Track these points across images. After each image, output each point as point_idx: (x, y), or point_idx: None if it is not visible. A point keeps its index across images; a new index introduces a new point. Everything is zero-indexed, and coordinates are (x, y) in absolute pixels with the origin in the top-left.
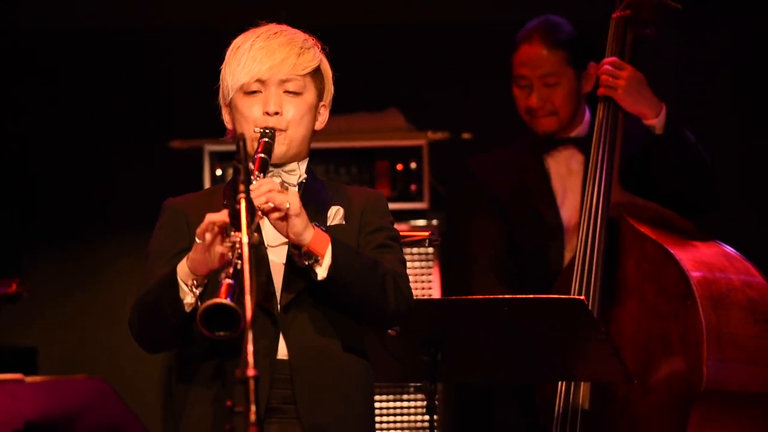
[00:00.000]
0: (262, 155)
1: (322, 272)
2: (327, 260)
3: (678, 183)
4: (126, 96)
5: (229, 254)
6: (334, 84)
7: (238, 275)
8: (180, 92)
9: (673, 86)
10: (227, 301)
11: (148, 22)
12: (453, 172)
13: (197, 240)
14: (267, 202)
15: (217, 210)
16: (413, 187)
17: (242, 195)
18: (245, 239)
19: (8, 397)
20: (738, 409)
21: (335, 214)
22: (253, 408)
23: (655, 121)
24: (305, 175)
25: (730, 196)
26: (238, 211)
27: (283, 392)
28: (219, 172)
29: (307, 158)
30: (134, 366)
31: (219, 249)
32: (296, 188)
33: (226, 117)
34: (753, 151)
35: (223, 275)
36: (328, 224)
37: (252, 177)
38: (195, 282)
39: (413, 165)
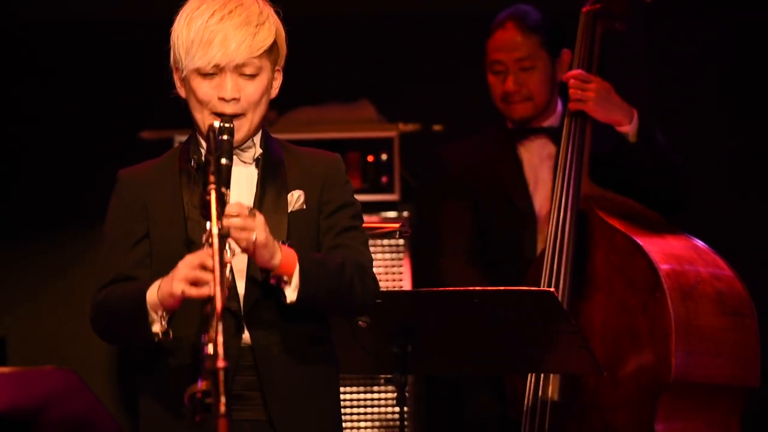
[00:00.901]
0: (224, 160)
1: (291, 294)
2: (295, 281)
3: (649, 186)
4: (95, 87)
5: (208, 307)
6: (305, 75)
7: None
8: (149, 83)
9: (644, 80)
10: (204, 388)
11: (117, 13)
12: (424, 163)
13: (177, 287)
14: (236, 231)
15: (174, 187)
16: (384, 178)
17: (212, 186)
18: (215, 230)
19: None
20: (705, 401)
21: (296, 200)
22: (222, 399)
23: (629, 128)
24: (261, 150)
25: (703, 187)
26: (209, 202)
27: (247, 379)
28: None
29: (261, 129)
30: (105, 358)
31: (194, 295)
32: (253, 165)
33: (177, 81)
34: (740, 146)
35: (205, 339)
36: (289, 210)
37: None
38: (165, 313)
39: (384, 156)
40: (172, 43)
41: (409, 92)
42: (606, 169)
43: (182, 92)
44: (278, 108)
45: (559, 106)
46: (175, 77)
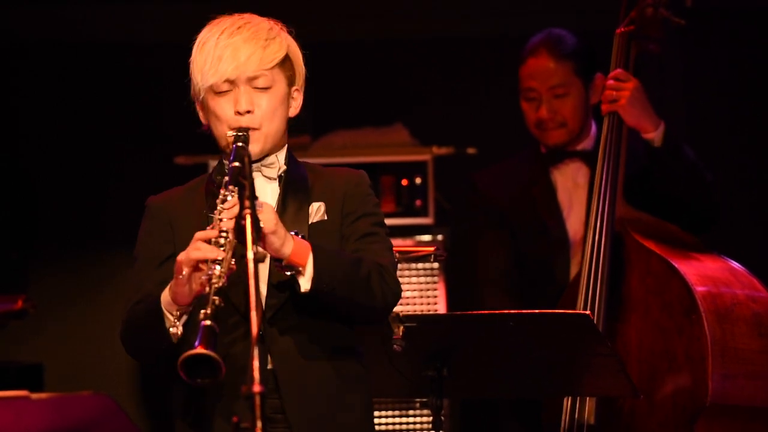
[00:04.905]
0: (236, 163)
1: (305, 284)
2: (309, 271)
3: (678, 195)
4: (130, 112)
5: (206, 288)
6: (340, 99)
7: (215, 314)
8: (184, 108)
9: (679, 100)
10: (205, 351)
11: (153, 37)
12: (458, 187)
13: (179, 260)
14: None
15: (200, 210)
16: (418, 202)
17: (248, 211)
18: (250, 255)
19: (14, 414)
20: (743, 424)
21: (316, 211)
22: (259, 424)
23: (654, 135)
24: (284, 166)
25: (737, 208)
26: (244, 228)
27: (271, 402)
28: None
29: (285, 146)
30: (141, 383)
31: (195, 283)
32: (277, 181)
33: (199, 112)
34: (762, 163)
35: (201, 315)
36: (309, 222)
37: (226, 191)
38: (179, 312)
39: (418, 180)
40: (191, 73)
41: (443, 116)
42: (640, 189)
43: (203, 119)
44: (312, 132)
45: (593, 129)
46: (198, 109)
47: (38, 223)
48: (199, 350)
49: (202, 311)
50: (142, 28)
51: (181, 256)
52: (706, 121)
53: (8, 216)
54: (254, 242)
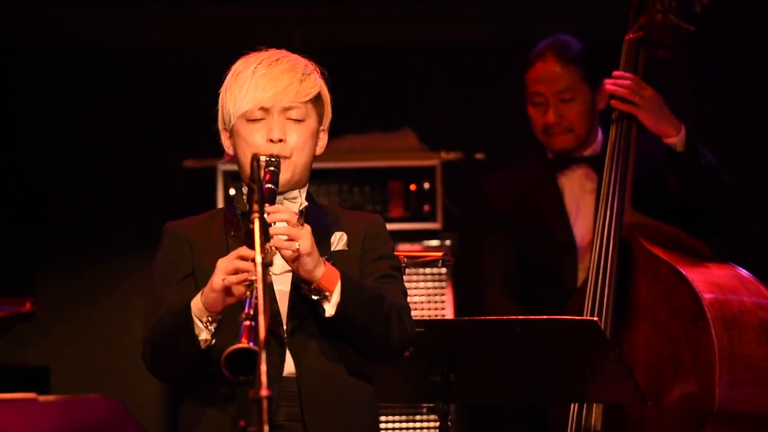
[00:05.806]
0: (270, 185)
1: (330, 309)
2: (336, 297)
3: (699, 199)
4: (139, 115)
5: (247, 292)
6: (349, 104)
7: (257, 316)
8: (194, 111)
9: (687, 106)
10: (250, 345)
11: (163, 41)
12: (466, 192)
13: (218, 279)
14: (280, 240)
15: (219, 235)
16: (426, 207)
17: (256, 215)
18: (259, 259)
19: (21, 417)
20: (750, 431)
21: (338, 240)
22: (266, 429)
23: (676, 140)
24: (306, 203)
25: (745, 213)
26: (252, 231)
27: (289, 410)
28: (232, 191)
29: (307, 184)
30: (148, 385)
31: (237, 288)
32: (298, 215)
33: (225, 142)
34: None
35: (243, 316)
36: (331, 250)
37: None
38: (210, 318)
39: (426, 185)
40: (220, 103)
41: (451, 120)
42: (650, 194)
43: (230, 150)
44: None
45: (600, 135)
46: (223, 138)
47: (45, 226)
48: (244, 345)
49: (244, 313)
50: (150, 33)
51: (222, 263)
52: (713, 125)
53: (16, 219)
54: (262, 246)
